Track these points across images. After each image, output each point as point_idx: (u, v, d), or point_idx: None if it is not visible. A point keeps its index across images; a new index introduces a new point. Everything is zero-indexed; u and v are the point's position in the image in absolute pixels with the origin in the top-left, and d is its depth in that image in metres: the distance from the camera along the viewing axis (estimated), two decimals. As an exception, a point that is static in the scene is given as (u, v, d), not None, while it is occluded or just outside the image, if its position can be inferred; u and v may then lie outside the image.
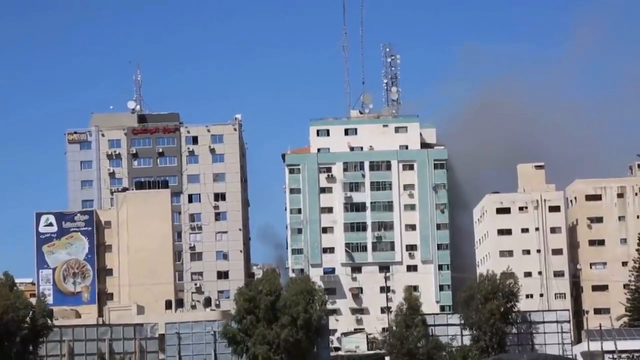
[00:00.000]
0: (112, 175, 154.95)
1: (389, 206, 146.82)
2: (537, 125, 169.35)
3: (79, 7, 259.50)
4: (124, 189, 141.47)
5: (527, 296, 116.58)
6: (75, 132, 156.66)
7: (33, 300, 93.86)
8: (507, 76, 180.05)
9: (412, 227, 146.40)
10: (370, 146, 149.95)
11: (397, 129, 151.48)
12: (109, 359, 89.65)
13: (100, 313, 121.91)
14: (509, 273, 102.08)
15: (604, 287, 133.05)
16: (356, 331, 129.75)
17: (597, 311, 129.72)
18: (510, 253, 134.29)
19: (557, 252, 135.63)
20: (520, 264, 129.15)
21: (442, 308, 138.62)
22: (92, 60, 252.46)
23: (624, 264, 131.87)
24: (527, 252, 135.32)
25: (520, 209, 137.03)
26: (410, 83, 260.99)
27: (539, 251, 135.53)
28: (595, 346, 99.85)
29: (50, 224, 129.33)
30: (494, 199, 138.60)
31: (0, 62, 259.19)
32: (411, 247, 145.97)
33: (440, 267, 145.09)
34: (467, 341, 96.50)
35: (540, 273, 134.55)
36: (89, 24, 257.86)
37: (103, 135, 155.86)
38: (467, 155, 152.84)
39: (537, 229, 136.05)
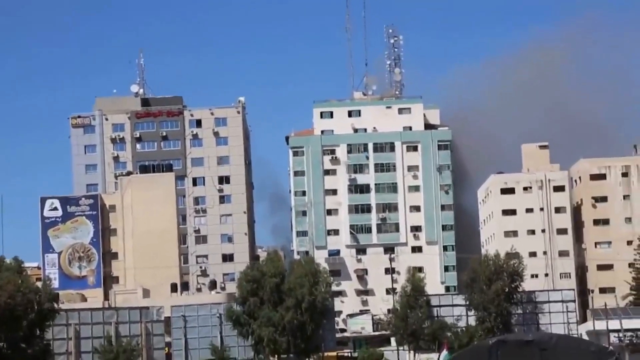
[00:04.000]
0: (116, 159, 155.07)
1: (393, 187, 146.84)
2: (544, 105, 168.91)
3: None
4: (128, 173, 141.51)
5: (532, 276, 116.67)
6: (79, 117, 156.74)
7: (39, 285, 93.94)
8: (516, 56, 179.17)
9: (417, 209, 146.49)
10: (374, 128, 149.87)
11: (400, 110, 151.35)
12: (116, 342, 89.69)
13: (106, 296, 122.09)
14: (513, 253, 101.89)
15: (609, 267, 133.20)
16: (361, 313, 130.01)
17: (602, 290, 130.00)
18: (515, 233, 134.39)
19: (561, 231, 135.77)
20: (525, 244, 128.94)
21: (448, 289, 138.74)
22: (96, 45, 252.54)
23: (629, 243, 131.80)
24: (532, 232, 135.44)
25: (525, 189, 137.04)
26: (414, 64, 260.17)
27: (543, 231, 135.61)
28: (600, 325, 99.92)
29: (55, 209, 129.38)
30: (499, 179, 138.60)
31: (5, 48, 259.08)
32: (416, 229, 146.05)
33: (445, 248, 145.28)
34: (472, 322, 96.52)
35: (545, 253, 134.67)
36: (93, 9, 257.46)
37: (107, 119, 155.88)
38: (471, 135, 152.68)
39: (541, 209, 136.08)
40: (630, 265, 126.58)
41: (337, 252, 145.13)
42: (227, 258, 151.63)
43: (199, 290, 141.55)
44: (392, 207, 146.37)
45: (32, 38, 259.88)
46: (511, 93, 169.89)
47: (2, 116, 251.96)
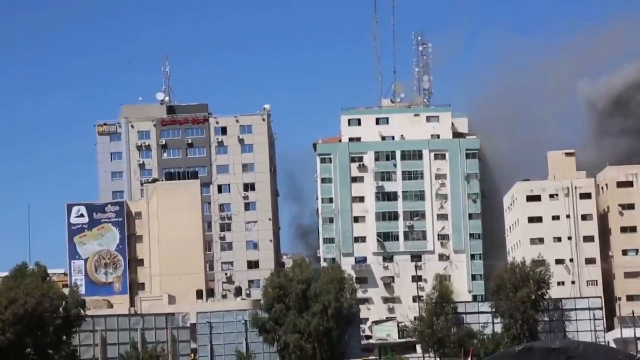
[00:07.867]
0: (141, 166, 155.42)
1: (420, 195, 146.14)
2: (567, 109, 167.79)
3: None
4: (154, 180, 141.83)
5: (558, 283, 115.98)
6: (105, 124, 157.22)
7: (65, 291, 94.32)
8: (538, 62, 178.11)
9: (444, 217, 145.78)
10: (402, 135, 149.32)
11: (428, 118, 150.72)
12: (141, 348, 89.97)
13: (132, 303, 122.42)
14: (539, 260, 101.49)
15: (636, 274, 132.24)
16: (388, 320, 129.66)
17: (630, 298, 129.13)
18: (541, 240, 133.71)
19: (588, 239, 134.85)
20: (552, 251, 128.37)
21: (475, 297, 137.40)
22: (121, 52, 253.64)
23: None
24: (558, 239, 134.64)
25: (551, 196, 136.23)
26: (442, 72, 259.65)
27: (570, 238, 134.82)
28: (628, 333, 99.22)
29: (82, 215, 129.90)
30: (524, 186, 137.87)
31: (31, 53, 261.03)
32: (443, 237, 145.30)
33: (472, 257, 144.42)
34: (498, 329, 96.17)
35: (571, 260, 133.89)
36: (118, 16, 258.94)
37: (132, 126, 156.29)
38: (499, 142, 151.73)
39: (567, 217, 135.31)
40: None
41: (364, 260, 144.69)
42: (253, 265, 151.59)
43: (224, 297, 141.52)
44: (420, 215, 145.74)
45: (57, 43, 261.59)
46: (540, 98, 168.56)
47: (27, 123, 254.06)
